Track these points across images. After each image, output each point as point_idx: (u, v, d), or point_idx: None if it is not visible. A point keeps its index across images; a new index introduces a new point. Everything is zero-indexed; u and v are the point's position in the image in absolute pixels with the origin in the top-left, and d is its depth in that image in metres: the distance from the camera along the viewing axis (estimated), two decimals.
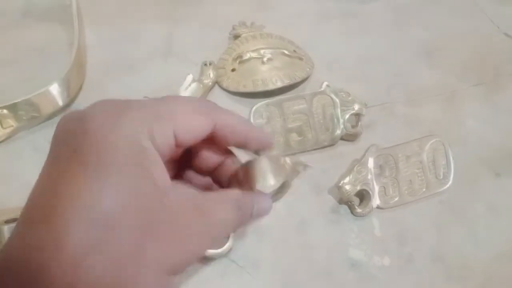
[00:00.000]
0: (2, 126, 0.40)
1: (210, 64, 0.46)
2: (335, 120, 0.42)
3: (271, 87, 0.44)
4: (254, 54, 0.46)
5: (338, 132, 0.42)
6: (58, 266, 0.16)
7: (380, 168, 0.39)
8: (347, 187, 0.38)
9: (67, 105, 0.42)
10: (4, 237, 0.32)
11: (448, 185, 0.40)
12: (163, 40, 0.49)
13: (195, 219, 0.20)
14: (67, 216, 0.17)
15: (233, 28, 0.49)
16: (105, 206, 0.17)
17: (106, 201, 0.17)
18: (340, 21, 0.53)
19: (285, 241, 0.37)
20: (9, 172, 0.39)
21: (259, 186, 0.23)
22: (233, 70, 0.46)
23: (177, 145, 0.21)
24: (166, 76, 0.46)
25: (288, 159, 0.25)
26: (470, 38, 0.53)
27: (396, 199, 0.39)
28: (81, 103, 0.44)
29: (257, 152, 0.26)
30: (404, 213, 0.39)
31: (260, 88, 0.44)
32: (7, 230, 0.32)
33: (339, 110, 0.42)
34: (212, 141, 0.23)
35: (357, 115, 0.42)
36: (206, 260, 0.35)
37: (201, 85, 0.44)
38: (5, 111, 0.39)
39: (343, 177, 0.38)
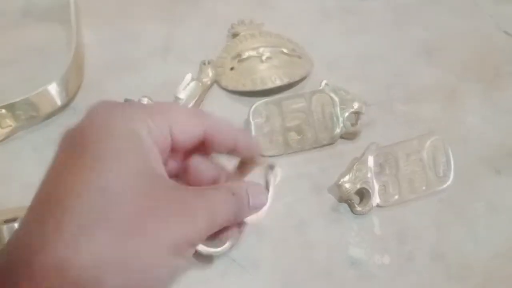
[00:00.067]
0: (0, 126, 0.40)
1: (209, 63, 0.46)
2: (335, 118, 0.42)
3: (270, 85, 0.44)
4: (253, 53, 0.46)
5: (338, 130, 0.42)
6: (59, 241, 0.17)
7: (380, 166, 0.39)
8: (347, 185, 0.38)
9: (65, 105, 0.42)
10: (3, 237, 0.32)
11: (448, 183, 0.40)
12: (162, 39, 0.49)
13: (193, 200, 0.21)
14: (68, 192, 0.17)
15: (232, 27, 0.49)
16: (106, 182, 0.18)
17: (107, 179, 0.18)
18: (339, 20, 0.53)
19: (285, 241, 0.37)
20: (8, 172, 0.39)
21: None
22: (232, 68, 0.46)
23: (174, 144, 0.22)
24: (165, 75, 0.46)
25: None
26: (470, 37, 0.53)
27: (396, 197, 0.39)
28: (80, 102, 0.44)
29: (245, 159, 0.27)
30: (404, 212, 0.39)
31: (259, 87, 0.44)
32: (6, 229, 0.32)
33: (338, 109, 0.42)
34: (204, 149, 0.24)
35: (357, 114, 0.42)
36: (206, 259, 0.35)
37: (200, 84, 0.44)
38: (3, 110, 0.39)
39: (343, 175, 0.38)
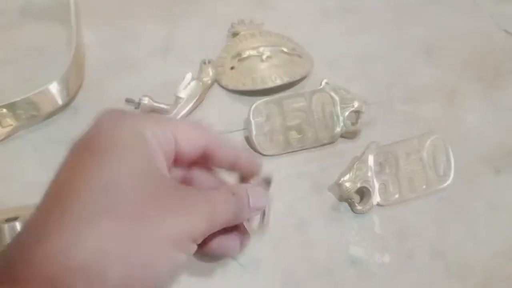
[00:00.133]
0: (1, 125, 0.40)
1: (209, 62, 0.46)
2: (335, 117, 0.42)
3: (270, 85, 0.44)
4: (253, 52, 0.46)
5: (338, 129, 0.42)
6: (63, 230, 0.17)
7: (380, 165, 0.39)
8: (347, 184, 0.38)
9: (66, 104, 0.42)
10: (4, 236, 0.32)
11: (448, 182, 0.40)
12: (162, 39, 0.49)
13: (195, 198, 0.22)
14: (73, 189, 0.18)
15: (232, 26, 0.49)
16: (110, 179, 0.19)
17: (113, 172, 0.19)
18: (339, 20, 0.53)
19: (285, 240, 0.37)
20: (8, 171, 0.39)
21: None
22: (232, 68, 0.46)
23: (177, 153, 0.22)
24: (165, 75, 0.46)
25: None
26: (470, 36, 0.53)
27: (396, 196, 0.39)
28: (81, 102, 0.44)
29: (245, 175, 0.27)
30: (404, 210, 0.39)
31: (259, 86, 0.44)
32: (7, 229, 0.32)
33: (338, 108, 0.42)
34: (205, 163, 0.25)
35: (357, 113, 0.42)
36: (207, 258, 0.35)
37: (201, 83, 0.44)
38: (4, 110, 0.39)
39: (343, 174, 0.38)
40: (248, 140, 0.42)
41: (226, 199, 0.23)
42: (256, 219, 0.28)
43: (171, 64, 0.48)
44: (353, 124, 0.42)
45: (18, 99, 0.39)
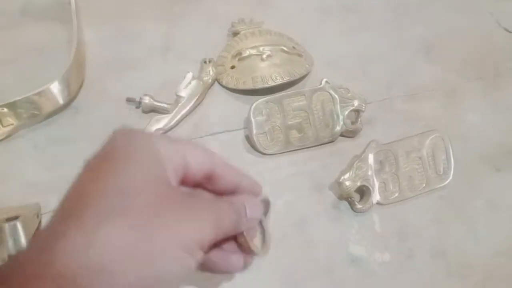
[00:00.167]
0: (2, 124, 0.40)
1: (209, 61, 0.46)
2: (335, 116, 0.42)
3: (270, 84, 0.44)
4: (253, 51, 0.46)
5: (338, 128, 0.42)
6: (79, 229, 0.18)
7: (380, 164, 0.39)
8: (347, 183, 0.38)
9: (67, 104, 0.43)
10: (5, 235, 0.32)
11: (448, 181, 0.40)
12: (162, 38, 0.49)
13: (202, 206, 0.23)
14: (89, 193, 0.19)
15: (232, 25, 0.49)
16: (126, 181, 0.20)
17: (127, 178, 0.20)
18: (339, 19, 0.53)
19: (285, 239, 0.37)
20: (9, 170, 0.39)
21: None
22: (232, 67, 0.46)
23: (186, 172, 0.24)
24: (166, 74, 0.46)
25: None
26: (470, 34, 0.53)
27: (396, 194, 0.39)
28: (81, 101, 0.44)
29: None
30: (404, 209, 0.39)
31: (260, 85, 0.44)
32: (8, 228, 0.32)
33: (338, 107, 0.42)
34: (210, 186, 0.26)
35: (357, 111, 0.42)
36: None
37: (201, 83, 0.44)
38: (5, 109, 0.39)
39: (343, 173, 0.38)
40: (249, 139, 0.42)
41: (228, 207, 0.25)
42: (258, 239, 0.30)
43: (171, 63, 0.48)
44: (353, 123, 0.43)
45: (19, 98, 0.39)
